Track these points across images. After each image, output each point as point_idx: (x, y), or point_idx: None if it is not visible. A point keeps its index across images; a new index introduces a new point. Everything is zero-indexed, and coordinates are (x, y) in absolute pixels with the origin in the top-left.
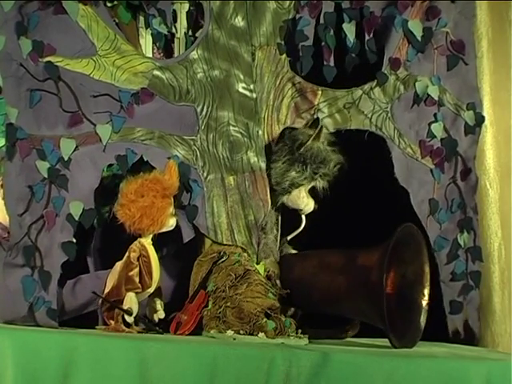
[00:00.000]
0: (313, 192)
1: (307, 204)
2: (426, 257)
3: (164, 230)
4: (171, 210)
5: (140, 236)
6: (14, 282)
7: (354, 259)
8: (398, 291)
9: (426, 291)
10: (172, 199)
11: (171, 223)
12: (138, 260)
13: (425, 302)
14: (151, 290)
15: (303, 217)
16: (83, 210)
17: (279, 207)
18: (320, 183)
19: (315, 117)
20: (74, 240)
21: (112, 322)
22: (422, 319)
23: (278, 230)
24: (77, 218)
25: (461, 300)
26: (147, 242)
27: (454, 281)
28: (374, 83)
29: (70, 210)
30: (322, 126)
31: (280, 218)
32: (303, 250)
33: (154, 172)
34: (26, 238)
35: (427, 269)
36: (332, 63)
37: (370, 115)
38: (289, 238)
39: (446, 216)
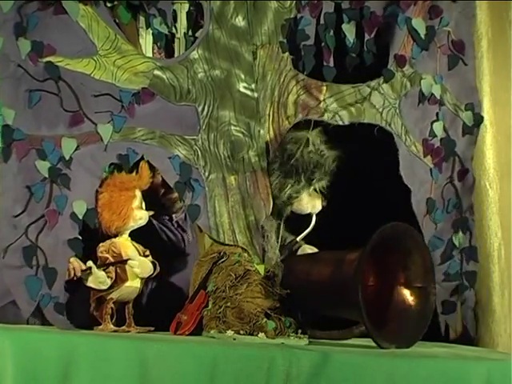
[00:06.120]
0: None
1: (314, 206)
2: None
3: (133, 223)
4: (136, 202)
5: (115, 236)
6: (11, 283)
7: (341, 262)
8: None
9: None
10: (137, 193)
11: (139, 216)
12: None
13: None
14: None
15: (314, 216)
16: (87, 209)
17: (282, 215)
18: (319, 184)
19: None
20: (80, 237)
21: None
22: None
23: (278, 237)
24: (80, 217)
25: (454, 300)
26: (122, 239)
27: (447, 281)
28: (381, 80)
29: (74, 209)
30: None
31: (282, 224)
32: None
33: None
34: (23, 239)
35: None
36: (331, 64)
37: (380, 110)
38: (298, 238)
39: (442, 216)
